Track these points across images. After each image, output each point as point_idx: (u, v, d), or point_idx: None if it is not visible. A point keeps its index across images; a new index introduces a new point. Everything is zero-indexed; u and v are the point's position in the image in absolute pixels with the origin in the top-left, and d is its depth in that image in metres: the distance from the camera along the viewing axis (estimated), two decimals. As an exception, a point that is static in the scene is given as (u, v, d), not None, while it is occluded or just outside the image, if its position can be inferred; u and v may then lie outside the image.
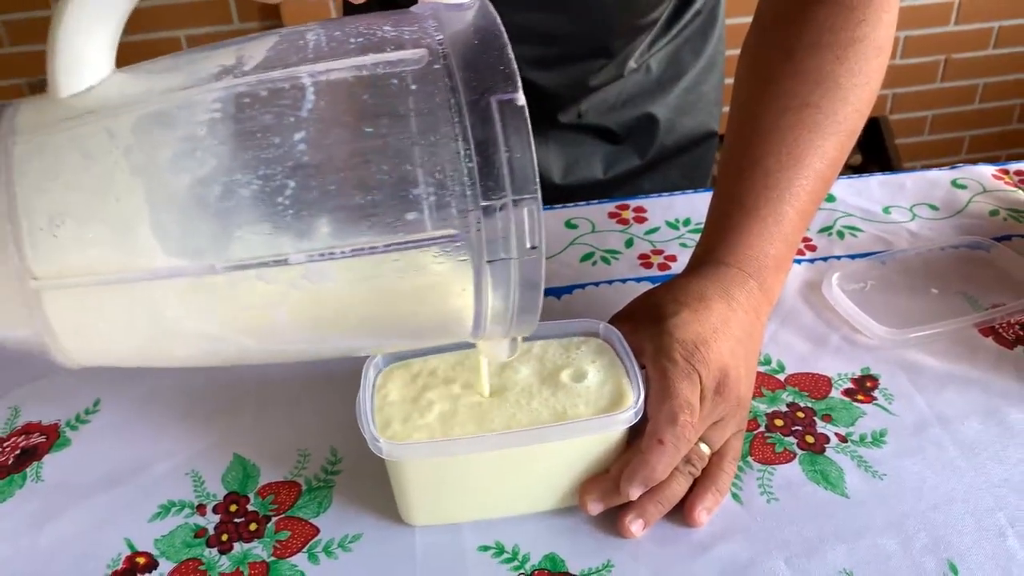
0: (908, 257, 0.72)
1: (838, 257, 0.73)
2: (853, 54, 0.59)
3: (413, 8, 0.43)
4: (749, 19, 0.64)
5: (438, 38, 0.40)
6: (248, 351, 0.45)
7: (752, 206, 0.58)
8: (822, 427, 0.58)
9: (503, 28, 0.40)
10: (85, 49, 0.40)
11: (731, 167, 0.60)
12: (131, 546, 0.53)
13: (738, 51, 0.65)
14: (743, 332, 0.54)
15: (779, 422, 0.59)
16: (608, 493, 0.52)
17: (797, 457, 0.56)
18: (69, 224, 0.39)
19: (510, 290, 0.41)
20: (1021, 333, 0.65)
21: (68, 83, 0.40)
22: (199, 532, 0.53)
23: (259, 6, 1.91)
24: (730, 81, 0.67)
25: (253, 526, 0.53)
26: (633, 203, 0.80)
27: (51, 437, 0.60)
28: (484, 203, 0.38)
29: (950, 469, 0.55)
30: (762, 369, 0.62)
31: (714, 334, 0.53)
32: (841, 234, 0.75)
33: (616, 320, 0.58)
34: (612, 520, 0.52)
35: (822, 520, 0.52)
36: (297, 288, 0.40)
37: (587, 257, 0.74)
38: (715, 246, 0.58)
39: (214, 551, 0.52)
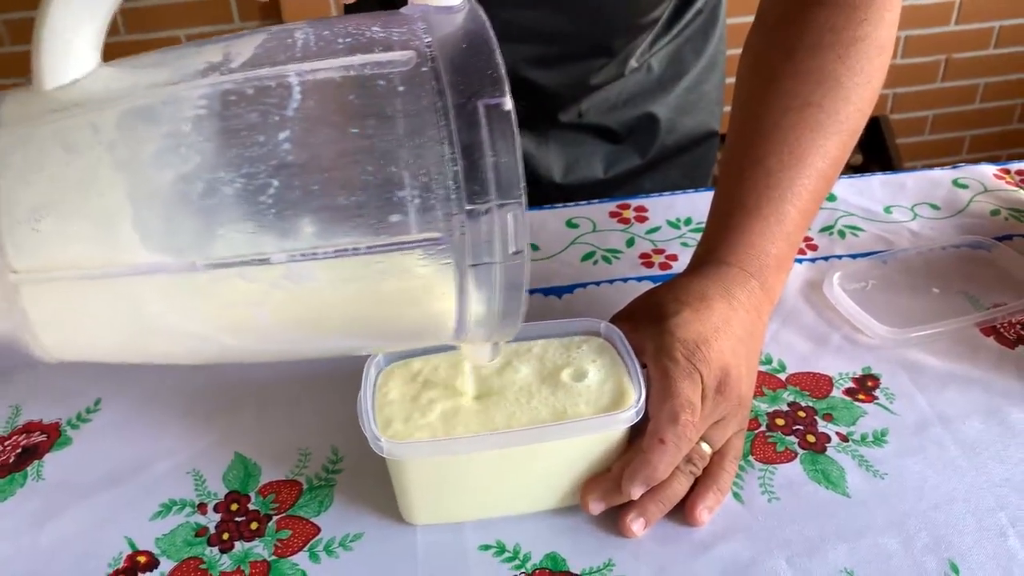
0: (909, 256, 0.72)
1: (839, 256, 0.73)
2: (855, 53, 0.59)
3: (402, 9, 0.43)
4: (750, 19, 0.64)
5: (427, 40, 0.40)
6: (229, 349, 0.45)
7: (754, 205, 0.58)
8: (823, 426, 0.58)
9: (492, 32, 0.40)
10: (71, 41, 0.39)
11: (733, 166, 0.60)
12: (132, 545, 0.53)
13: (739, 51, 0.65)
14: (744, 331, 0.54)
15: (780, 421, 0.59)
16: (609, 492, 0.52)
17: (798, 456, 0.56)
18: (51, 218, 0.38)
19: (493, 294, 0.41)
20: (1022, 333, 0.65)
21: (53, 75, 0.39)
22: (200, 531, 0.53)
23: (260, 5, 1.91)
24: (731, 81, 0.67)
25: (254, 525, 0.53)
26: (634, 202, 0.80)
27: (52, 436, 0.60)
28: (469, 207, 0.38)
29: (951, 469, 0.55)
30: (763, 368, 0.62)
31: (715, 333, 0.53)
32: (842, 233, 0.75)
33: (617, 319, 0.58)
34: (613, 519, 0.52)
35: (823, 519, 0.52)
36: (279, 288, 0.40)
37: (588, 256, 0.74)
38: (716, 245, 0.58)
39: (215, 550, 0.52)
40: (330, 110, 0.39)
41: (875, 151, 2.21)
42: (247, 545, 0.52)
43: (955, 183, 0.81)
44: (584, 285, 0.71)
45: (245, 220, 0.38)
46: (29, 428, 0.60)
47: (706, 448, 0.53)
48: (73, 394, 0.63)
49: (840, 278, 0.69)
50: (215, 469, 0.57)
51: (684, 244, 0.75)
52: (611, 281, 0.71)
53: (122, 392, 0.63)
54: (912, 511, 0.53)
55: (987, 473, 0.55)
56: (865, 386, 0.61)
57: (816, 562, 0.50)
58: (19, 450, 0.59)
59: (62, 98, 0.39)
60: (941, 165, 0.84)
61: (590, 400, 0.52)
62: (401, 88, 0.39)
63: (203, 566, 0.51)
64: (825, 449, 0.57)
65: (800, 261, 0.72)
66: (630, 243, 0.75)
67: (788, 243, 0.58)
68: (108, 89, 0.40)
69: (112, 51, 0.42)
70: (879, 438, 0.57)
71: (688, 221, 0.77)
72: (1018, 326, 0.65)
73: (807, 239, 0.75)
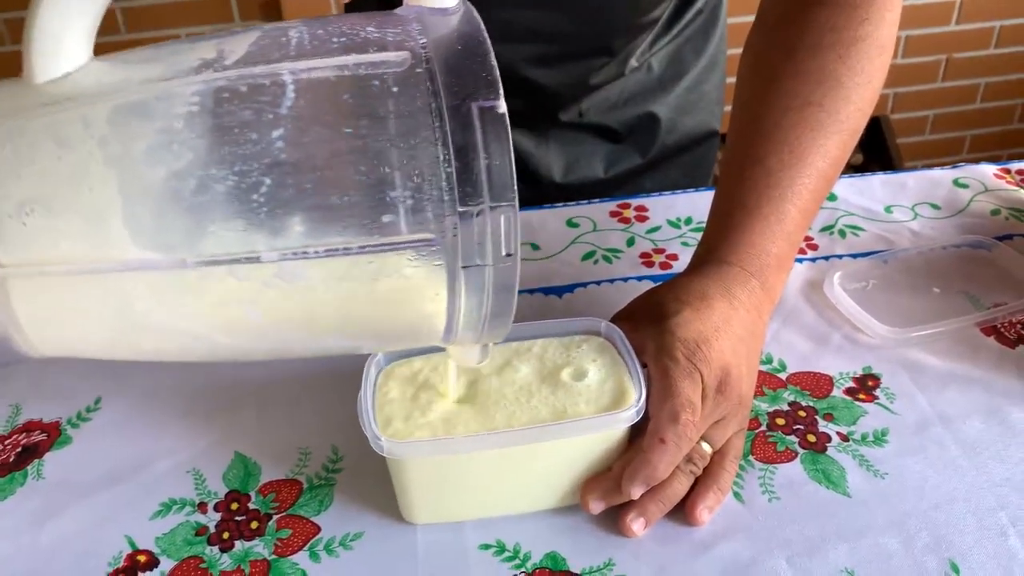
0: (910, 256, 0.72)
1: (840, 256, 0.73)
2: (856, 53, 0.59)
3: (397, 10, 0.43)
4: (751, 18, 0.64)
5: (421, 42, 0.40)
6: (220, 347, 0.44)
7: (754, 205, 0.58)
8: (824, 426, 0.58)
9: (487, 35, 0.40)
10: (63, 34, 0.39)
11: (733, 166, 0.60)
12: (132, 544, 0.52)
13: (740, 50, 0.65)
14: (745, 331, 0.54)
15: (780, 421, 0.59)
16: (609, 492, 0.52)
17: (799, 456, 0.56)
18: (40, 212, 0.38)
19: (484, 296, 0.41)
20: (1023, 332, 0.65)
21: (44, 68, 0.39)
22: (200, 530, 0.53)
23: (261, 4, 1.91)
24: (732, 80, 0.67)
25: (254, 524, 0.53)
26: (635, 202, 0.80)
27: (52, 435, 0.60)
28: (461, 209, 0.38)
29: (952, 468, 0.55)
30: (764, 368, 0.62)
31: (716, 333, 0.53)
32: (843, 233, 0.75)
33: (618, 319, 0.58)
34: (613, 519, 0.52)
35: (824, 519, 0.52)
36: (269, 286, 0.40)
37: (588, 256, 0.74)
38: (717, 245, 0.58)
39: (215, 549, 0.52)
40: (324, 109, 0.39)
41: (876, 151, 2.21)
42: (247, 544, 0.52)
43: (955, 183, 0.81)
44: (584, 284, 0.71)
45: (237, 218, 0.38)
46: (29, 427, 0.60)
47: (706, 448, 0.53)
48: (73, 393, 0.63)
49: (841, 278, 0.69)
50: (215, 468, 0.57)
51: (684, 244, 0.75)
52: (611, 280, 0.71)
53: (122, 391, 0.63)
54: (913, 511, 0.53)
55: (988, 473, 0.55)
56: (866, 386, 0.61)
57: (816, 562, 0.50)
58: (19, 449, 0.59)
59: (53, 92, 0.39)
60: (941, 165, 0.84)
61: (590, 399, 0.52)
62: (395, 89, 0.39)
63: (203, 565, 0.51)
64: (825, 449, 0.57)
65: (800, 261, 0.72)
66: (630, 243, 0.75)
67: (789, 242, 0.58)
68: (100, 83, 0.39)
69: (111, 50, 0.42)
70: (879, 438, 0.57)
71: (688, 221, 0.77)
72: (1019, 326, 0.65)
73: (808, 239, 0.74)
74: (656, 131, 0.92)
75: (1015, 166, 0.83)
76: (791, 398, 0.60)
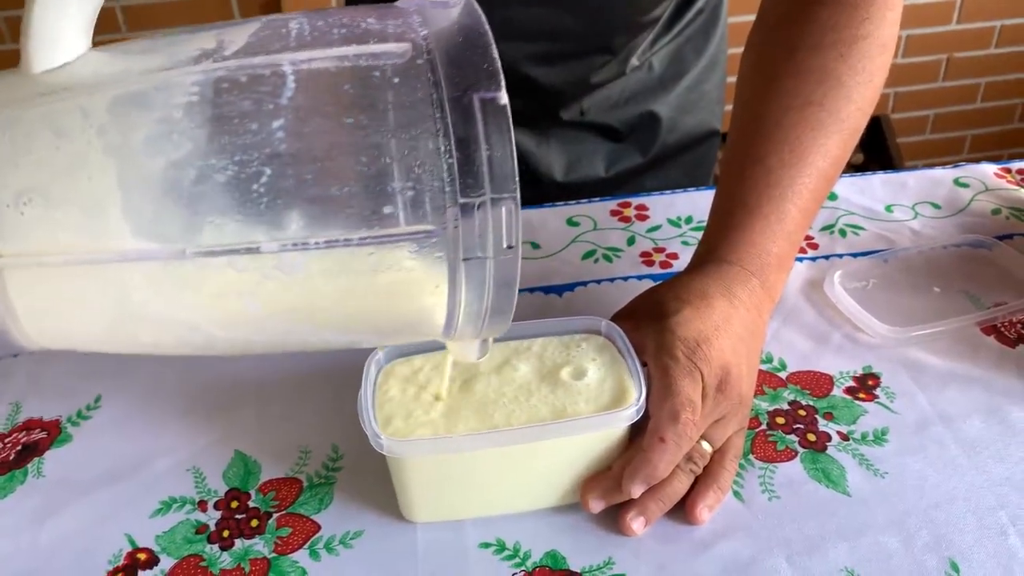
0: (910, 255, 0.72)
1: (840, 255, 0.73)
2: (857, 52, 0.59)
3: (398, 3, 0.43)
4: (752, 18, 0.64)
5: (422, 33, 0.40)
6: (218, 340, 0.44)
7: (755, 204, 0.58)
8: (824, 425, 0.58)
9: (488, 27, 0.40)
10: (61, 24, 0.39)
11: (734, 165, 0.60)
12: (132, 542, 0.52)
13: (741, 50, 0.65)
14: (745, 330, 0.54)
15: (781, 420, 0.59)
16: (610, 491, 0.52)
17: (799, 455, 0.56)
18: (37, 202, 0.38)
19: (484, 290, 0.41)
20: (1023, 332, 0.65)
21: (42, 58, 0.39)
22: (200, 528, 0.53)
23: (261, 2, 1.91)
24: (732, 79, 0.67)
25: (254, 522, 0.53)
26: (635, 201, 0.80)
27: (52, 433, 0.60)
28: (462, 200, 0.38)
29: (952, 467, 0.55)
30: (764, 367, 0.62)
31: (716, 332, 0.53)
32: (843, 232, 0.75)
33: (618, 318, 0.58)
34: (613, 518, 0.52)
35: (824, 518, 0.52)
36: (268, 278, 0.39)
37: (589, 255, 0.74)
38: (717, 244, 0.58)
39: (215, 547, 0.52)
40: (324, 100, 0.39)
41: (876, 150, 2.21)
42: (247, 543, 0.52)
43: (956, 182, 0.81)
44: (585, 283, 0.71)
45: (236, 208, 0.38)
46: (29, 425, 0.60)
47: (706, 447, 0.53)
48: (73, 391, 0.63)
49: (841, 277, 0.69)
50: (215, 467, 0.57)
51: (685, 243, 0.75)
52: (612, 279, 0.71)
53: (122, 389, 0.63)
54: (912, 510, 0.53)
55: (987, 472, 0.55)
56: (866, 385, 0.61)
57: (816, 561, 0.50)
58: (19, 447, 0.59)
59: (51, 82, 0.39)
60: (942, 164, 0.84)
61: (590, 398, 0.52)
62: (396, 80, 0.38)
63: (203, 564, 0.51)
64: (825, 448, 0.57)
65: (801, 260, 0.72)
66: (631, 241, 0.75)
67: (789, 242, 0.58)
68: (98, 74, 0.39)
69: (112, 48, 0.41)
70: (879, 437, 0.57)
71: (689, 220, 0.77)
72: (1019, 325, 0.65)
73: (808, 238, 0.74)
74: (657, 130, 0.92)
75: (1016, 165, 0.83)
76: (791, 397, 0.60)
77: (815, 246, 0.74)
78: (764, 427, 0.58)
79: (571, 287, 0.70)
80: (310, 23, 0.41)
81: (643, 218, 0.78)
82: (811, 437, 0.57)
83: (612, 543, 0.51)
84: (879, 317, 0.64)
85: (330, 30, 0.40)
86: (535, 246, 0.74)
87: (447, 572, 0.50)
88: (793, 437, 0.58)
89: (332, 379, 0.62)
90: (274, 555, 0.51)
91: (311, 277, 0.40)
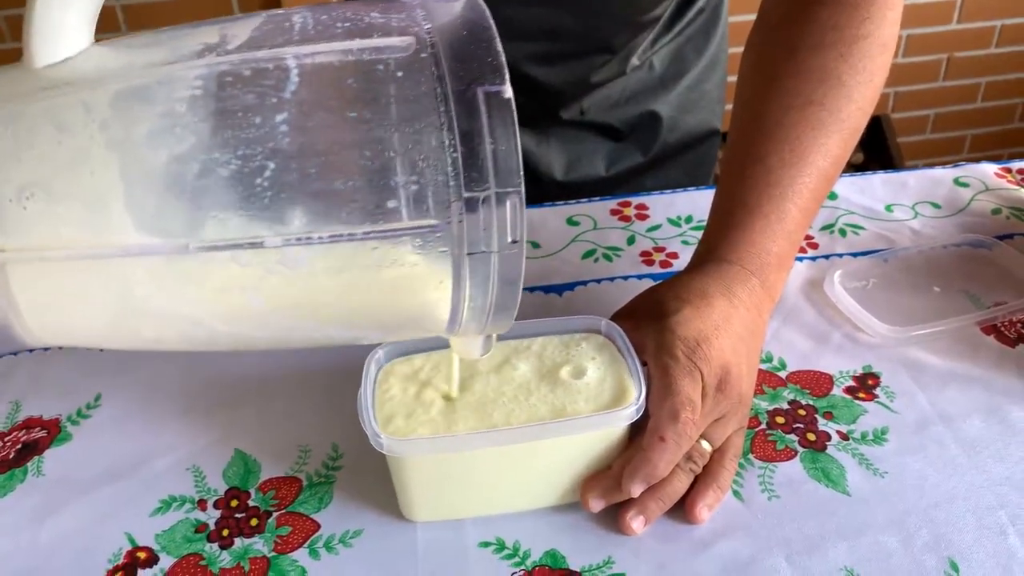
0: (910, 255, 0.72)
1: (840, 255, 0.73)
2: (857, 51, 0.59)
3: None
4: (752, 17, 0.64)
5: (426, 27, 0.39)
6: (219, 335, 0.44)
7: (755, 204, 0.58)
8: (823, 425, 0.58)
9: (492, 20, 0.40)
10: (63, 18, 0.39)
11: (734, 165, 0.60)
12: (132, 541, 0.53)
13: (741, 49, 0.65)
14: (745, 329, 0.54)
15: (780, 419, 0.59)
16: (609, 490, 0.52)
17: (798, 455, 0.56)
18: (39, 196, 0.38)
19: (489, 285, 0.40)
20: (1023, 331, 0.65)
21: (44, 53, 0.39)
22: (200, 527, 0.53)
23: (262, 2, 1.90)
24: (733, 79, 0.67)
25: (254, 521, 0.53)
26: (635, 200, 0.80)
27: (52, 431, 0.60)
28: (467, 194, 0.38)
29: (951, 467, 0.55)
30: (764, 366, 0.62)
31: (716, 331, 0.53)
32: (843, 232, 0.75)
33: (618, 317, 0.58)
34: (613, 517, 0.52)
35: (823, 517, 0.52)
36: (272, 273, 0.39)
37: (589, 254, 0.74)
38: (717, 243, 0.58)
39: (215, 546, 0.52)
40: (328, 94, 0.39)
41: (876, 150, 2.21)
42: (247, 541, 0.52)
43: (956, 182, 0.81)
44: (584, 283, 0.71)
45: (240, 203, 0.38)
46: (29, 424, 0.60)
47: (706, 446, 0.53)
48: (73, 390, 0.63)
49: (841, 276, 0.69)
50: (215, 465, 0.57)
51: (685, 242, 0.75)
52: (612, 279, 0.71)
53: (122, 388, 0.63)
54: (912, 509, 0.53)
55: (987, 472, 0.55)
56: (865, 384, 0.61)
57: (816, 560, 0.50)
58: (19, 446, 0.59)
59: (53, 76, 0.39)
60: (942, 164, 0.84)
61: (589, 397, 0.52)
62: (400, 74, 0.38)
63: (203, 562, 0.51)
64: (825, 447, 0.57)
65: (801, 259, 0.72)
66: (631, 241, 0.75)
67: (789, 241, 0.58)
68: (101, 68, 0.39)
69: (112, 46, 0.41)
70: (879, 436, 0.57)
71: (689, 219, 0.77)
72: (1019, 325, 0.65)
73: (808, 237, 0.74)
74: (657, 130, 0.92)
75: (1016, 165, 0.83)
76: (791, 397, 0.60)
77: (815, 245, 0.74)
78: (764, 426, 0.58)
79: (571, 286, 0.70)
80: (313, 17, 0.41)
81: (643, 217, 0.78)
82: (811, 436, 0.57)
83: (612, 542, 0.51)
84: (879, 317, 0.64)
85: (333, 24, 0.40)
86: (535, 245, 0.74)
87: (447, 571, 0.50)
88: (793, 436, 0.58)
89: (332, 378, 0.62)
90: (274, 554, 0.51)
91: (315, 272, 0.40)
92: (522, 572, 0.50)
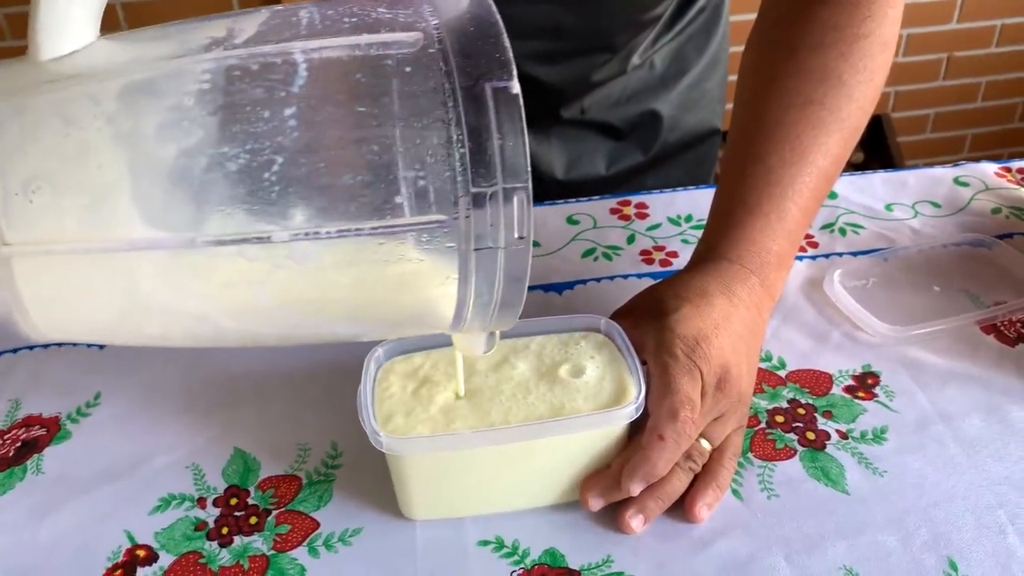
0: (910, 254, 0.72)
1: (840, 254, 0.73)
2: (858, 50, 0.59)
3: None
4: (753, 16, 0.64)
5: (434, 23, 0.39)
6: (224, 331, 0.44)
7: (755, 202, 0.58)
8: (823, 424, 0.58)
9: (499, 16, 0.40)
10: (68, 12, 0.39)
11: (734, 164, 0.60)
12: (131, 539, 0.53)
13: (742, 48, 0.65)
14: (745, 328, 0.54)
15: (780, 418, 0.59)
16: (609, 489, 0.52)
17: (798, 454, 0.56)
18: (47, 190, 0.37)
19: (495, 281, 0.40)
20: (1023, 331, 0.65)
21: (49, 46, 0.39)
22: (199, 525, 0.53)
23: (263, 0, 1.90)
24: (734, 78, 0.67)
25: (253, 519, 0.53)
26: (635, 199, 0.80)
27: (52, 430, 0.60)
28: (474, 190, 0.38)
29: (951, 466, 0.55)
30: (763, 365, 0.62)
31: (715, 330, 0.53)
32: (843, 231, 0.75)
33: (617, 316, 0.58)
34: (612, 515, 0.52)
35: (822, 516, 0.52)
36: (279, 267, 0.39)
37: (588, 253, 0.74)
38: (717, 242, 0.58)
39: (214, 544, 0.52)
40: (336, 89, 0.38)
41: (876, 149, 2.21)
42: (246, 540, 0.52)
43: (956, 181, 0.81)
44: (584, 282, 0.71)
45: (248, 197, 0.38)
46: (29, 422, 0.60)
47: (705, 445, 0.53)
48: (73, 388, 0.63)
49: (841, 275, 0.69)
50: (214, 464, 0.57)
51: (684, 241, 0.75)
52: (611, 278, 0.71)
53: (122, 386, 0.63)
54: (911, 508, 0.53)
55: (986, 471, 0.55)
56: (865, 383, 0.61)
57: (815, 559, 0.50)
58: (18, 444, 0.59)
59: (59, 69, 0.39)
60: (942, 163, 0.84)
61: (588, 396, 0.52)
62: (408, 69, 0.38)
63: (202, 560, 0.51)
64: (825, 446, 0.57)
65: (801, 258, 0.72)
66: (631, 240, 0.75)
67: (789, 240, 0.58)
68: (107, 62, 0.39)
69: (112, 44, 0.41)
70: (879, 435, 0.57)
71: (689, 218, 0.77)
72: (1018, 324, 0.65)
73: (808, 236, 0.74)
74: (658, 129, 0.92)
75: (1016, 164, 0.83)
76: (790, 396, 0.60)
77: (815, 245, 0.74)
78: (763, 425, 0.58)
79: (571, 285, 0.70)
80: (320, 12, 0.41)
81: (643, 216, 0.78)
82: (810, 436, 0.57)
83: (611, 541, 0.51)
84: (879, 316, 0.64)
85: (341, 19, 0.40)
86: (535, 244, 0.74)
87: (446, 570, 0.50)
88: (792, 435, 0.58)
89: (332, 376, 0.62)
90: (273, 552, 0.51)
91: (322, 267, 0.40)
92: (521, 571, 0.50)
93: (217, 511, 0.54)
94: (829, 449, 0.56)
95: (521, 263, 0.40)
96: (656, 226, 0.76)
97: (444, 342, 0.54)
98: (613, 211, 0.78)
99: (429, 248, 0.39)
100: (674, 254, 0.73)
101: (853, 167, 1.99)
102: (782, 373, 0.62)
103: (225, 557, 0.51)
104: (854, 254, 0.72)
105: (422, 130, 0.37)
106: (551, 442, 0.51)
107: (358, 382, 0.52)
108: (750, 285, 0.56)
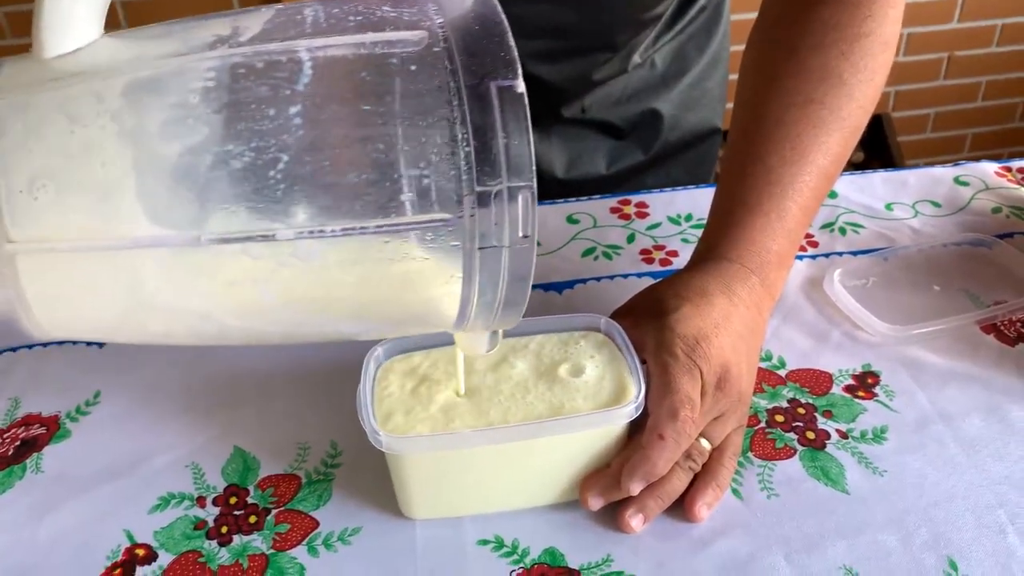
0: (910, 254, 0.72)
1: (840, 253, 0.73)
2: (859, 49, 0.59)
3: None
4: (754, 15, 0.64)
5: (438, 21, 0.39)
6: (228, 329, 0.44)
7: (755, 202, 0.58)
8: (823, 423, 0.58)
9: (503, 15, 0.40)
10: (73, 9, 0.39)
11: (734, 163, 0.60)
12: (131, 538, 0.52)
13: (743, 47, 0.65)
14: (745, 328, 0.54)
15: (780, 418, 0.59)
16: (608, 488, 0.52)
17: (798, 453, 0.56)
18: (51, 187, 0.37)
19: (499, 279, 0.40)
20: (1023, 330, 0.65)
21: (53, 43, 0.39)
22: (199, 524, 0.53)
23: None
24: (734, 77, 0.67)
25: (253, 518, 0.53)
26: (635, 198, 0.80)
27: (51, 428, 0.60)
28: (479, 189, 0.38)
29: (951, 466, 0.55)
30: (763, 365, 0.62)
31: (715, 329, 0.53)
32: (843, 230, 0.75)
33: (617, 315, 0.58)
34: (612, 515, 0.52)
35: (822, 516, 0.52)
36: (284, 265, 0.39)
37: (588, 252, 0.74)
38: (717, 241, 0.58)
39: (214, 543, 0.52)
40: (341, 87, 0.38)
41: (876, 149, 2.21)
42: (246, 538, 0.52)
43: (956, 181, 0.81)
44: (584, 281, 0.71)
45: (252, 195, 0.38)
46: (28, 421, 0.60)
47: (705, 444, 0.53)
48: (73, 387, 0.63)
49: (841, 275, 0.68)
50: (214, 463, 0.57)
51: (684, 240, 0.74)
52: (611, 277, 0.71)
53: (121, 385, 0.62)
54: (911, 508, 0.53)
55: (986, 471, 0.55)
56: (865, 383, 0.61)
57: (815, 559, 0.50)
58: (18, 443, 0.59)
59: (63, 67, 0.39)
60: (942, 163, 0.84)
61: (588, 395, 0.52)
62: (413, 68, 0.38)
63: (201, 559, 0.51)
64: (824, 446, 0.57)
65: (801, 258, 0.72)
66: (631, 239, 0.75)
67: (789, 240, 0.58)
68: (111, 59, 0.39)
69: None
70: (879, 435, 0.57)
71: (689, 217, 0.77)
72: (1018, 324, 0.65)
73: (808, 236, 0.74)
74: (659, 128, 0.92)
75: (1016, 164, 0.83)
76: (790, 395, 0.60)
77: (815, 244, 0.74)
78: (763, 425, 0.58)
79: (571, 284, 0.70)
80: (325, 11, 0.41)
81: (643, 215, 0.78)
82: (810, 435, 0.57)
83: (611, 540, 0.51)
84: (879, 315, 0.64)
85: (345, 17, 0.40)
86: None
87: (446, 569, 0.50)
88: (792, 435, 0.58)
89: (331, 376, 0.62)
90: (272, 551, 0.51)
91: (327, 265, 0.39)
92: (521, 570, 0.50)
93: (216, 510, 0.54)
94: (829, 449, 0.56)
95: (525, 262, 0.40)
96: (656, 225, 0.76)
97: (444, 341, 0.54)
98: (613, 210, 0.78)
99: (433, 247, 0.39)
100: (674, 253, 0.73)
101: (853, 166, 1.99)
102: (782, 372, 0.62)
103: (224, 556, 0.51)
104: (854, 253, 0.72)
105: (427, 128, 0.37)
106: (551, 441, 0.51)
107: (358, 381, 0.52)
108: (750, 284, 0.56)
